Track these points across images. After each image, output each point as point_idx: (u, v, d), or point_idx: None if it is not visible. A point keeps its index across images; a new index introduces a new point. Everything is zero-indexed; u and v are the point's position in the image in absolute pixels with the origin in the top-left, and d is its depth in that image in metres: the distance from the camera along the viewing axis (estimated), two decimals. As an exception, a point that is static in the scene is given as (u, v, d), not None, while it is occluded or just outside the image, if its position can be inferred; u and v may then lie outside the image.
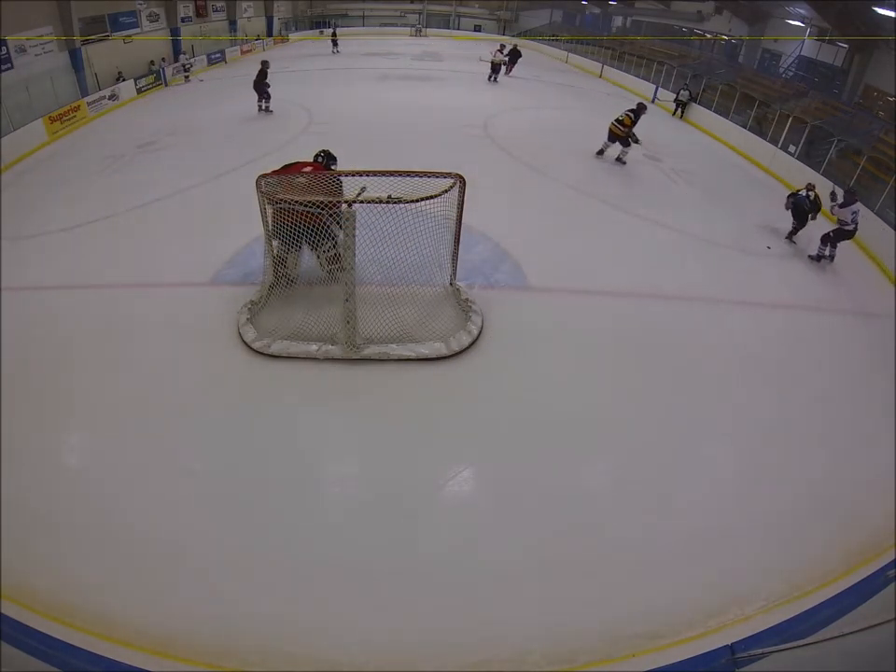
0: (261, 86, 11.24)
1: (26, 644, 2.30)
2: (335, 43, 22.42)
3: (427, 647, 2.63)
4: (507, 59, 15.88)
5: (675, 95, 14.24)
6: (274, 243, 4.67)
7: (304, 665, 2.54)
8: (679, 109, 14.07)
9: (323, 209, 3.99)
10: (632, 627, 2.71)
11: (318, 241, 4.42)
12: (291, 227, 4.25)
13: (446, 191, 4.31)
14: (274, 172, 4.69)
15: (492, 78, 15.87)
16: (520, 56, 17.47)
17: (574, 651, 2.63)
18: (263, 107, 11.48)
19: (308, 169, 4.77)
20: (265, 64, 11.22)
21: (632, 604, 2.81)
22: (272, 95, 11.44)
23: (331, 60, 20.03)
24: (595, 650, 2.63)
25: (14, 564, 2.81)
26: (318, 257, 4.84)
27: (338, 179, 4.31)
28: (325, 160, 5.15)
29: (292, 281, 4.85)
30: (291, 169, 4.81)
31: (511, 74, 17.13)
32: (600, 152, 9.37)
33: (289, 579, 2.87)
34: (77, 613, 2.66)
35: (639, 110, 9.07)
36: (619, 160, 9.18)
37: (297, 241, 4.42)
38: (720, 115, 12.78)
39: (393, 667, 2.55)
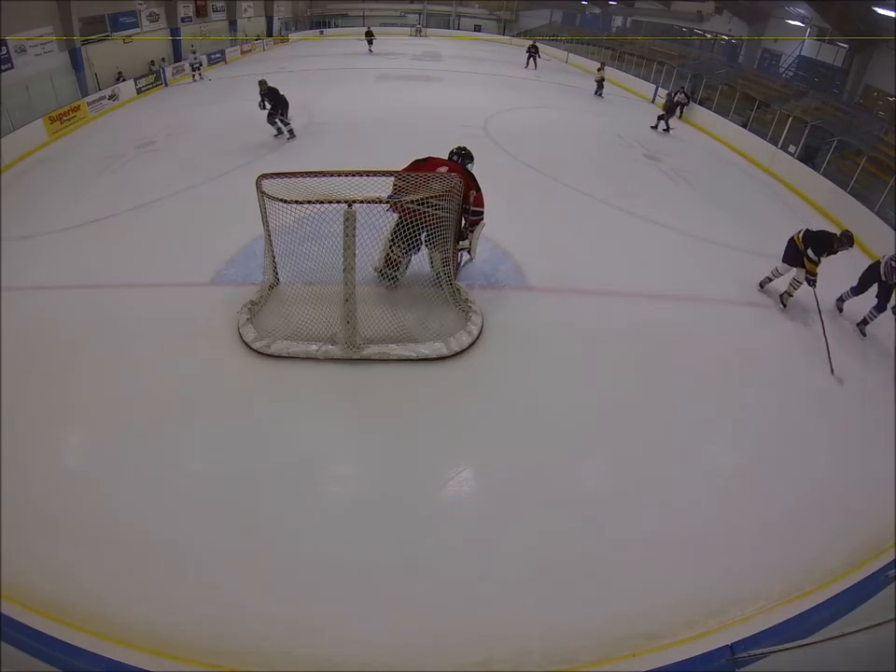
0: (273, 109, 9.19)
1: (26, 644, 2.30)
2: (371, 42, 22.46)
3: (427, 647, 2.63)
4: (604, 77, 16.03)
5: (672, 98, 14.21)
6: (394, 248, 4.70)
7: (304, 665, 2.53)
8: (679, 110, 14.01)
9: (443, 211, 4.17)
10: (632, 627, 2.71)
11: (439, 241, 4.48)
12: (416, 229, 4.32)
13: (447, 191, 4.32)
14: (405, 170, 4.51)
15: (598, 94, 15.75)
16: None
17: (574, 651, 2.62)
18: (281, 130, 9.38)
19: (444, 169, 4.64)
20: (262, 85, 9.03)
21: (632, 604, 2.81)
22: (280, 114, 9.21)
23: (331, 60, 20.02)
24: (594, 650, 2.63)
25: (14, 564, 2.81)
26: (433, 259, 4.82)
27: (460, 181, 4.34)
28: (461, 158, 4.92)
29: (397, 282, 4.97)
30: (425, 166, 4.71)
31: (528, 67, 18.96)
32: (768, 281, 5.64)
33: (289, 579, 2.87)
34: (77, 613, 2.66)
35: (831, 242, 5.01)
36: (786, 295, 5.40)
37: (418, 241, 4.52)
38: (720, 115, 12.79)
39: (393, 667, 2.54)
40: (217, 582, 2.85)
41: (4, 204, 7.08)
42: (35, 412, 3.81)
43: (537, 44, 20.52)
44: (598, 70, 16.35)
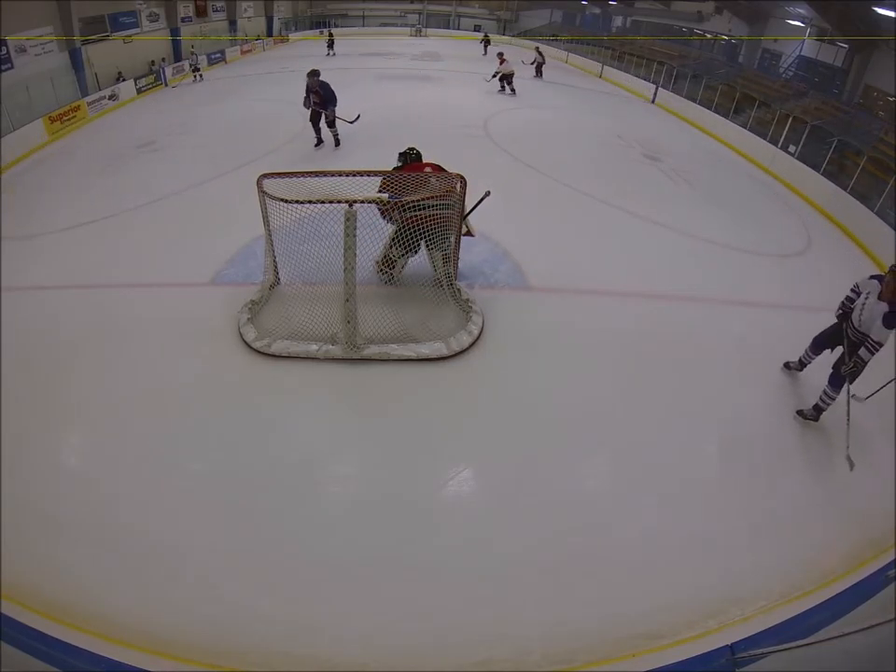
0: None
1: (26, 644, 2.29)
2: (331, 45, 21.35)
3: (426, 647, 2.63)
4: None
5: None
6: (393, 249, 4.70)
7: (304, 665, 2.54)
8: (536, 70, 16.88)
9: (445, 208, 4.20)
10: (632, 627, 2.71)
11: (439, 241, 4.49)
12: (416, 231, 4.32)
13: (447, 191, 4.32)
14: (388, 177, 4.26)
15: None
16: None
17: (574, 651, 2.62)
18: None
19: (428, 170, 4.67)
20: None
21: (632, 604, 2.81)
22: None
23: (331, 60, 20.03)
24: (594, 650, 2.63)
25: (14, 564, 2.81)
26: (433, 258, 4.78)
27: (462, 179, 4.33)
28: (418, 158, 4.95)
29: (397, 282, 4.96)
30: (409, 170, 4.67)
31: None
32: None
33: (289, 578, 2.87)
34: (77, 613, 2.66)
35: None
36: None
37: (417, 244, 4.53)
38: (720, 115, 12.79)
39: (393, 667, 2.55)
40: (217, 582, 2.85)
41: (4, 204, 7.09)
42: (35, 412, 3.81)
43: (488, 35, 25.25)
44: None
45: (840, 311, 3.96)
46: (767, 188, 9.48)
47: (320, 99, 8.38)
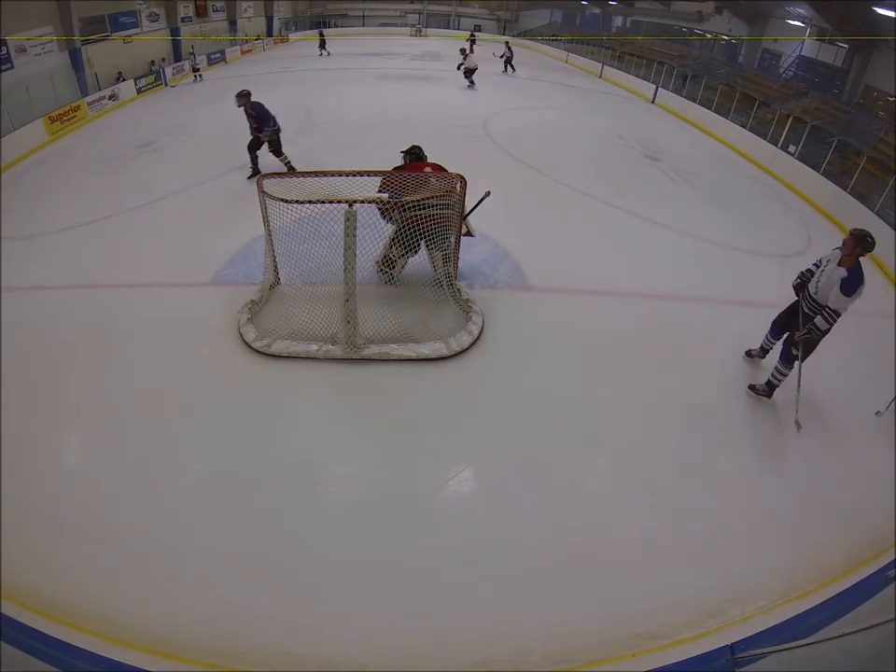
0: None
1: (26, 644, 2.29)
2: (323, 45, 21.10)
3: (426, 647, 2.63)
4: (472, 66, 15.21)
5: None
6: (393, 248, 4.70)
7: (304, 665, 2.54)
8: (505, 65, 17.84)
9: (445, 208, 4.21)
10: (632, 627, 2.71)
11: (439, 241, 4.49)
12: (416, 231, 4.32)
13: (447, 191, 4.33)
14: (388, 177, 4.26)
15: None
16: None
17: (574, 651, 2.62)
18: None
19: (428, 170, 4.66)
20: None
21: (632, 604, 2.81)
22: None
23: (331, 60, 20.03)
24: (594, 650, 2.63)
25: (14, 564, 2.81)
26: (433, 258, 4.79)
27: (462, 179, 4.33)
28: (420, 157, 4.95)
29: (397, 282, 4.96)
30: (409, 170, 4.67)
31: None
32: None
33: (289, 578, 2.87)
34: (77, 613, 2.66)
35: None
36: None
37: (417, 244, 4.54)
38: (720, 115, 12.79)
39: (393, 667, 2.55)
40: (217, 582, 2.85)
41: (4, 204, 7.09)
42: (35, 412, 3.80)
43: (474, 34, 24.95)
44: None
45: (798, 280, 3.91)
46: (767, 188, 9.48)
47: (257, 123, 7.14)
